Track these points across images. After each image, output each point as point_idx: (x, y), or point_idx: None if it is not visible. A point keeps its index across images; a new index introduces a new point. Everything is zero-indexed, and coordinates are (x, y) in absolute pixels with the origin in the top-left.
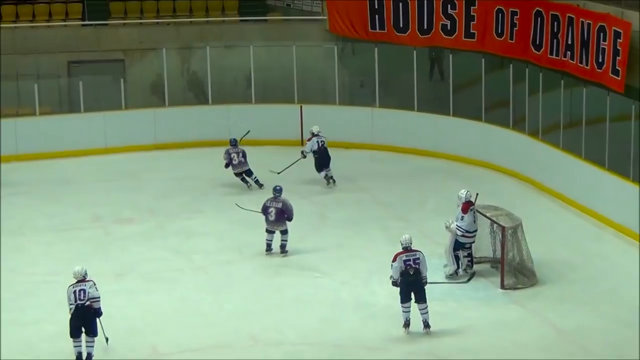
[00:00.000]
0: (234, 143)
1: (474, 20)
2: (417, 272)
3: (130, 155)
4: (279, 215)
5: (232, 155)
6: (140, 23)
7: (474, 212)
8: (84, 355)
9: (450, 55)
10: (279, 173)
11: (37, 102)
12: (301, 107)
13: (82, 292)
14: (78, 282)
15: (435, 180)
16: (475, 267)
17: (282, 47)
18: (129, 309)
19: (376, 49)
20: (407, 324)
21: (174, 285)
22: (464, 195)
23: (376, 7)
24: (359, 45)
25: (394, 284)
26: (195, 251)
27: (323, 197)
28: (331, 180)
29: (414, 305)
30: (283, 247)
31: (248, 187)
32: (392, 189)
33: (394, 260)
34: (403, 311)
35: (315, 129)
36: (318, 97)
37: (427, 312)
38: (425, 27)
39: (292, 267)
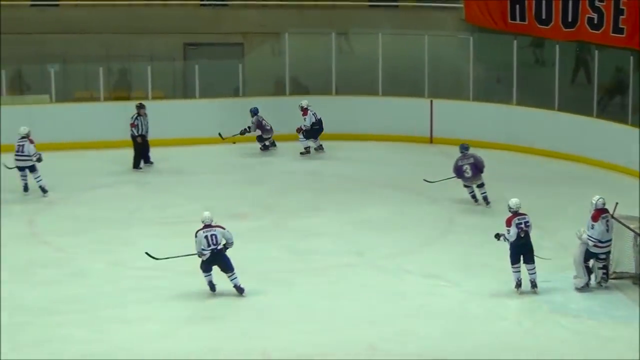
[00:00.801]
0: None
1: (623, 15)
2: (527, 234)
3: (245, 146)
4: (474, 170)
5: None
6: (263, 5)
7: (607, 221)
8: (231, 285)
9: (597, 52)
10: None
11: (149, 85)
12: (431, 101)
13: (214, 237)
14: (206, 226)
15: (576, 186)
16: (616, 282)
17: (414, 35)
18: (241, 310)
19: (515, 42)
20: (519, 284)
21: (289, 288)
22: (595, 202)
23: None
24: (497, 37)
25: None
26: (312, 252)
27: (453, 202)
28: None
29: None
30: (486, 199)
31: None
32: (527, 194)
33: (508, 225)
34: (514, 272)
35: (304, 103)
36: (450, 92)
37: (535, 273)
38: (570, 19)
39: (416, 274)
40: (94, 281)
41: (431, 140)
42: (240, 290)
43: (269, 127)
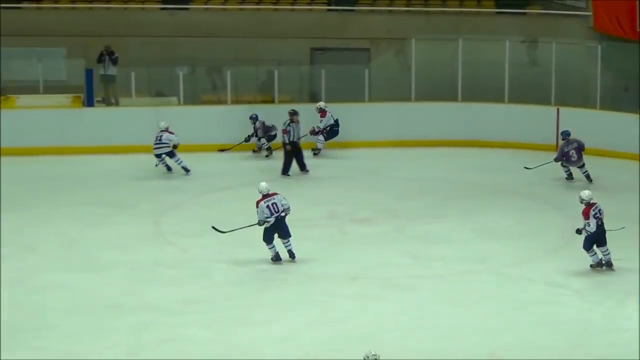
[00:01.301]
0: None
1: None
2: (602, 222)
3: (371, 151)
4: (579, 154)
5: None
6: (389, 10)
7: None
8: (286, 255)
9: None
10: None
11: (276, 89)
12: (558, 109)
13: (274, 205)
14: (265, 197)
15: None
16: None
17: (541, 43)
18: (362, 315)
19: None
20: (600, 264)
21: (411, 293)
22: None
23: None
24: (625, 46)
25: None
26: (435, 258)
27: (577, 210)
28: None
29: None
30: (588, 177)
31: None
32: None
33: (587, 217)
34: (592, 255)
35: (322, 104)
36: (577, 100)
37: (609, 254)
38: None
39: (539, 283)
40: (218, 282)
41: (556, 148)
42: (292, 256)
43: (274, 133)
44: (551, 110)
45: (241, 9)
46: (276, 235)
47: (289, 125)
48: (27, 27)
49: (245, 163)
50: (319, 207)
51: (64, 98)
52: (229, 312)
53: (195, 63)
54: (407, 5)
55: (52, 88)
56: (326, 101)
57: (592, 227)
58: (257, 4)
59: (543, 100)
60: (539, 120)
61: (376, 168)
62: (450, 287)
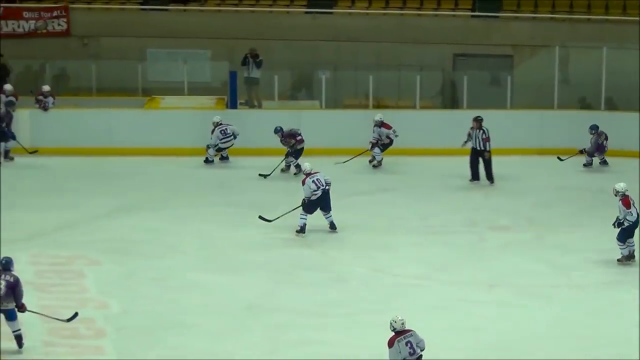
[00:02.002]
0: None
1: None
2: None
3: (511, 158)
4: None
5: None
6: (534, 17)
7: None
8: (326, 225)
9: None
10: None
11: (417, 94)
12: None
13: (319, 180)
14: (308, 174)
15: None
16: None
17: None
18: (499, 322)
19: None
20: (632, 256)
21: (549, 302)
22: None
23: None
24: None
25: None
26: (574, 268)
27: None
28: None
29: None
30: (606, 162)
31: None
32: None
33: (628, 207)
34: (623, 248)
35: (380, 117)
36: None
37: (634, 245)
38: None
39: None
40: (355, 286)
41: None
42: (333, 227)
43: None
44: None
45: (385, 14)
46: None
47: (471, 130)
48: (173, 29)
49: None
50: (458, 214)
51: (207, 99)
52: (366, 316)
53: (338, 67)
54: (552, 12)
55: (197, 90)
56: (467, 107)
57: (634, 217)
58: (401, 9)
59: None
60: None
61: (516, 175)
62: (589, 296)
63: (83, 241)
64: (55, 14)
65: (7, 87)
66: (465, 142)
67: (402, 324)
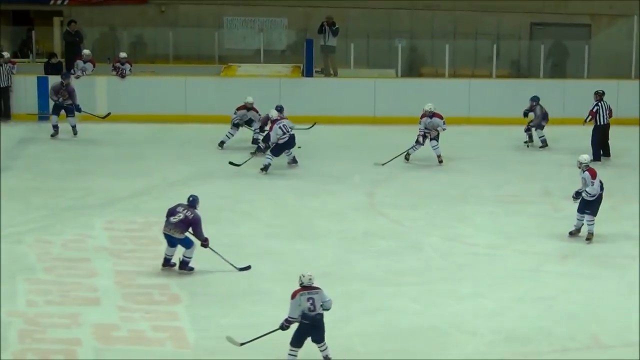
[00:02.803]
0: None
1: None
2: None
3: (587, 129)
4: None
5: None
6: None
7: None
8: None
9: None
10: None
11: (494, 63)
12: None
13: (285, 126)
14: (275, 120)
15: None
16: None
17: None
18: (573, 294)
19: None
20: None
21: (623, 273)
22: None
23: None
24: None
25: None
26: None
27: None
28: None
29: None
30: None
31: None
32: None
33: (594, 177)
34: (579, 219)
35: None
36: None
37: (593, 224)
38: None
39: None
40: (429, 255)
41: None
42: (295, 162)
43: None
44: None
45: None
46: None
47: (595, 105)
48: None
49: (467, 138)
50: (532, 184)
51: (283, 67)
52: (439, 285)
53: (415, 35)
54: None
55: (273, 57)
56: (544, 77)
57: (596, 189)
58: None
59: None
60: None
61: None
62: None
63: (158, 207)
64: None
65: (85, 52)
66: (588, 118)
67: (310, 279)
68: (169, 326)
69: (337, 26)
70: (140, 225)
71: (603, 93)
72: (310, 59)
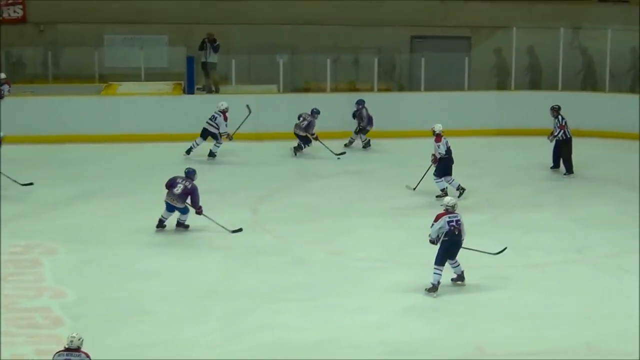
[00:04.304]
0: None
1: None
2: (460, 233)
3: (470, 139)
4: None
5: None
6: None
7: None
8: None
9: None
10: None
11: (375, 77)
12: None
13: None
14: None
15: None
16: None
17: None
18: (457, 304)
19: None
20: (436, 288)
21: (507, 282)
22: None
23: None
24: None
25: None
26: (532, 247)
27: None
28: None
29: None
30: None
31: None
32: None
33: (436, 221)
34: (436, 273)
35: (439, 128)
36: None
37: (459, 266)
38: None
39: (636, 274)
40: (314, 270)
41: None
42: None
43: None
44: None
45: None
46: None
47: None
48: (129, 15)
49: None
50: (416, 196)
51: (164, 85)
52: (325, 299)
53: (296, 50)
54: None
55: (154, 75)
56: (425, 89)
57: (434, 233)
58: None
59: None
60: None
61: (476, 156)
62: (547, 276)
63: (39, 229)
64: (10, 0)
65: (1, 75)
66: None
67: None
68: (54, 349)
69: (217, 42)
70: (22, 248)
71: (559, 107)
72: (191, 76)
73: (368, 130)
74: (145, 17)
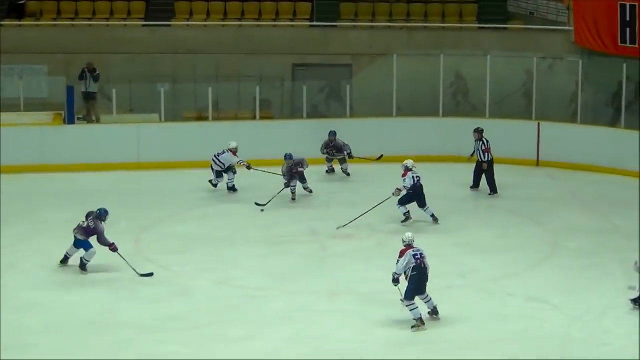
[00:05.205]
0: None
1: None
2: (425, 265)
3: (352, 167)
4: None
5: None
6: (372, 26)
7: None
8: None
9: None
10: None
11: (257, 105)
12: (539, 124)
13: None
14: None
15: None
16: None
17: (522, 58)
18: (343, 331)
19: (625, 65)
20: (422, 321)
21: (392, 309)
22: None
23: (628, 19)
24: (606, 60)
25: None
26: None
27: (558, 224)
28: (434, 219)
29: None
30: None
31: None
32: (634, 219)
33: (401, 256)
34: (412, 309)
35: (409, 163)
36: (558, 115)
37: (431, 300)
38: None
39: (520, 298)
40: (198, 299)
41: (537, 163)
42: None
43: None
44: (532, 125)
45: (223, 25)
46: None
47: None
48: (8, 45)
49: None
50: (301, 224)
51: (45, 115)
52: (209, 329)
53: (177, 79)
54: (389, 21)
55: (34, 106)
56: (307, 117)
57: (400, 269)
58: (239, 20)
59: (524, 115)
60: (520, 135)
61: (358, 183)
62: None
63: None
64: None
65: None
66: (472, 154)
67: None
68: None
69: (98, 72)
70: None
71: (482, 130)
72: (71, 106)
73: (352, 156)
74: (24, 47)
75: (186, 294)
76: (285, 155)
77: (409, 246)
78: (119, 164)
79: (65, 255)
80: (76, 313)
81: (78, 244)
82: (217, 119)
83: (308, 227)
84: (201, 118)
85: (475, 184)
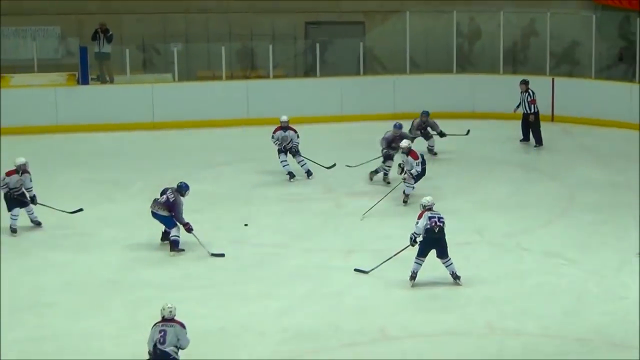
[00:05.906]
0: None
1: None
2: (442, 230)
3: (366, 124)
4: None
5: None
6: None
7: None
8: None
9: None
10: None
11: (271, 64)
12: (553, 79)
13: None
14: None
15: None
16: None
17: (536, 13)
18: (359, 288)
19: (638, 20)
20: (414, 276)
21: (406, 266)
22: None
23: None
24: (620, 14)
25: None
26: None
27: (574, 179)
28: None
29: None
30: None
31: None
32: None
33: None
34: (417, 263)
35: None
36: (572, 70)
37: (452, 264)
38: None
39: (536, 253)
40: (215, 258)
41: (552, 119)
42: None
43: None
44: (547, 80)
45: None
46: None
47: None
48: (21, 6)
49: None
50: (315, 182)
51: (58, 76)
52: (225, 287)
53: (190, 39)
54: None
55: (47, 67)
56: (320, 75)
57: (420, 229)
58: None
59: (538, 70)
60: (534, 91)
61: (370, 141)
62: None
63: None
64: None
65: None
66: (518, 106)
67: (170, 312)
68: None
69: (110, 32)
70: None
71: (527, 82)
72: (85, 66)
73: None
74: (36, 8)
75: (203, 252)
76: (395, 124)
77: (428, 209)
78: (134, 124)
79: (163, 232)
80: (94, 272)
81: (162, 220)
82: (230, 78)
83: (323, 185)
84: (214, 77)
85: (525, 137)
